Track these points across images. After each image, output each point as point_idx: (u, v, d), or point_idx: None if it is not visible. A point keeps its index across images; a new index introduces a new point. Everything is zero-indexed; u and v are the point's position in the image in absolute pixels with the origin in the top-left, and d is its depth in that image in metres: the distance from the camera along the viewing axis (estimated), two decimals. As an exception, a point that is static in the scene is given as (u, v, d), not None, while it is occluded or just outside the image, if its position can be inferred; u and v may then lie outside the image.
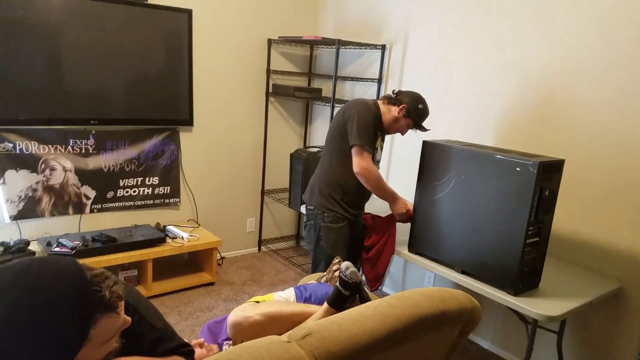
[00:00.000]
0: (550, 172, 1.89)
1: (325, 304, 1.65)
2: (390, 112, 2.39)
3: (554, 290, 2.05)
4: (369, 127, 2.30)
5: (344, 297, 1.62)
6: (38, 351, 0.78)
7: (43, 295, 0.80)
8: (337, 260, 2.13)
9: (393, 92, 2.44)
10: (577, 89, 2.35)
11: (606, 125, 2.26)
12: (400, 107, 2.37)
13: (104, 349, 0.90)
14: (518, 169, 1.88)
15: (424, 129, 2.44)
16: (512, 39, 2.60)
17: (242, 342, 1.72)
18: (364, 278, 1.67)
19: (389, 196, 2.43)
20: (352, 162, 2.31)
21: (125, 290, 1.03)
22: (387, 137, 3.33)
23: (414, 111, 2.37)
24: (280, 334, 1.62)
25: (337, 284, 1.65)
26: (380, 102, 2.43)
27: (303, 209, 2.59)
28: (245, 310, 1.63)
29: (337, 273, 2.07)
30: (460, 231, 2.12)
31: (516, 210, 1.90)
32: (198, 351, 1.63)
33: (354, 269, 1.65)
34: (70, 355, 0.82)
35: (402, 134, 2.49)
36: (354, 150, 2.30)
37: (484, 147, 2.14)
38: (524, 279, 1.97)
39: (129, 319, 0.94)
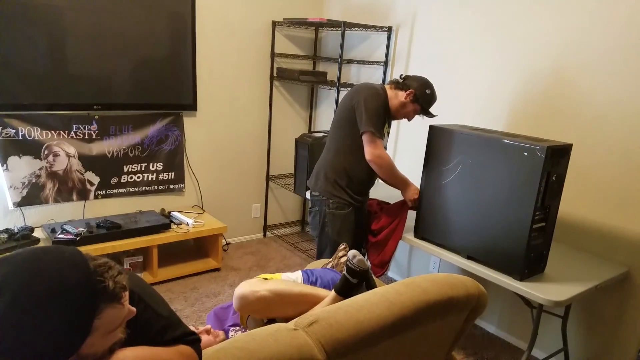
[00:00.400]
0: (558, 157, 1.87)
1: (333, 292, 1.65)
2: (397, 97, 2.36)
3: (559, 275, 2.04)
4: (379, 113, 2.27)
5: (352, 285, 1.62)
6: (42, 340, 0.78)
7: (48, 284, 0.80)
8: (343, 247, 2.12)
9: (400, 76, 2.40)
10: (585, 73, 2.31)
11: (614, 111, 2.22)
12: (408, 92, 2.33)
13: (109, 339, 0.89)
14: (526, 153, 1.85)
15: (431, 115, 2.41)
16: (521, 23, 2.55)
17: (247, 317, 1.74)
18: (369, 263, 1.68)
19: (401, 183, 2.41)
20: (364, 149, 2.28)
21: (130, 279, 1.02)
22: (393, 122, 3.30)
23: (422, 96, 2.33)
24: (284, 314, 1.64)
25: (345, 272, 1.64)
26: (387, 87, 2.39)
27: (308, 195, 2.57)
28: (254, 285, 1.63)
29: (343, 259, 2.06)
30: (467, 216, 2.11)
31: (523, 195, 1.88)
32: (205, 337, 1.64)
33: (360, 256, 1.64)
34: (75, 344, 0.81)
35: (409, 120, 2.46)
36: (365, 138, 2.27)
37: (492, 131, 2.11)
38: (530, 264, 1.96)
39: (133, 309, 0.93)
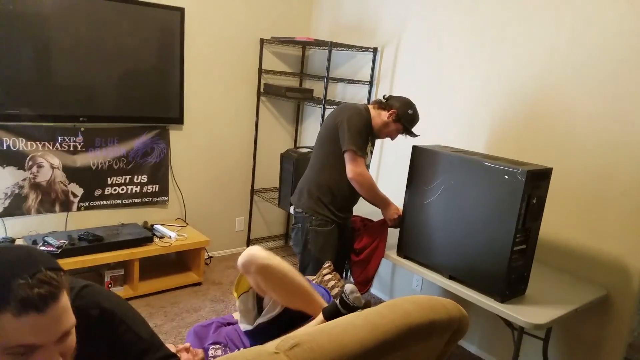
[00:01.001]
0: (538, 180, 1.91)
1: (321, 316, 1.64)
2: (380, 117, 2.40)
3: (540, 297, 2.07)
4: (361, 132, 2.31)
5: (341, 314, 1.62)
6: None
7: None
8: (327, 265, 2.13)
9: (384, 96, 2.45)
10: (568, 97, 2.37)
11: (595, 133, 2.28)
12: (390, 112, 2.37)
13: None
14: (506, 176, 1.89)
15: (413, 135, 2.45)
16: (504, 45, 2.62)
17: (243, 292, 1.75)
18: (363, 301, 1.71)
19: (382, 202, 2.43)
20: (346, 167, 2.31)
21: (112, 300, 1.02)
22: (377, 142, 3.34)
23: (404, 116, 2.38)
24: (275, 294, 1.68)
25: (337, 301, 1.64)
26: (370, 107, 2.44)
27: (292, 210, 2.58)
28: (266, 253, 1.66)
29: (327, 277, 2.06)
30: (449, 236, 2.14)
31: (504, 217, 1.91)
32: (184, 356, 1.63)
33: (358, 294, 1.64)
34: None
35: (392, 139, 2.50)
36: (347, 156, 2.30)
37: (474, 153, 2.15)
38: (511, 286, 1.99)
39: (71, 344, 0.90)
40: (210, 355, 1.73)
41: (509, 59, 2.60)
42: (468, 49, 2.79)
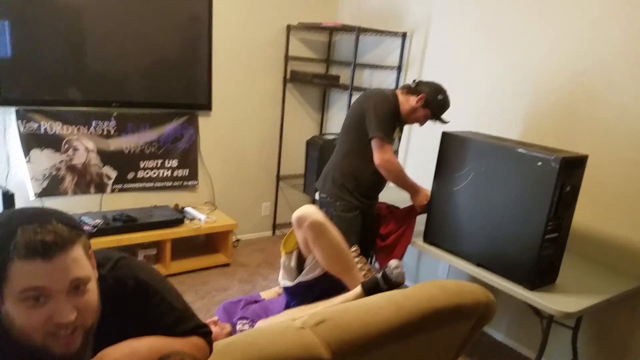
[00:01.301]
0: (572, 168, 1.86)
1: (359, 289, 1.63)
2: (408, 102, 2.37)
3: (571, 287, 2.03)
4: (388, 118, 2.29)
5: (380, 290, 1.61)
6: None
7: None
8: (354, 249, 2.13)
9: (413, 81, 2.41)
10: (604, 85, 2.30)
11: (632, 122, 2.21)
12: (419, 97, 2.34)
13: (33, 311, 0.86)
14: (539, 163, 1.85)
15: (443, 121, 2.41)
16: (538, 29, 2.54)
17: (289, 251, 1.88)
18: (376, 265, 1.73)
19: (410, 188, 2.42)
20: (373, 154, 2.30)
21: (147, 272, 1.05)
22: (405, 127, 3.31)
23: (433, 102, 2.34)
24: (319, 254, 1.78)
25: (379, 275, 1.63)
26: (399, 92, 2.40)
27: (317, 196, 2.60)
28: (320, 212, 1.80)
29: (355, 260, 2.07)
30: (478, 224, 2.11)
31: (536, 205, 1.88)
32: (212, 329, 1.68)
33: (401, 270, 1.63)
34: None
35: (420, 125, 2.47)
36: (374, 143, 2.29)
37: (505, 140, 2.11)
38: (541, 274, 1.96)
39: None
40: (237, 329, 1.78)
41: (543, 42, 2.52)
42: (501, 35, 2.72)
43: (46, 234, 0.84)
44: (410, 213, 2.46)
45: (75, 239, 0.88)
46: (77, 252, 0.88)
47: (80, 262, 0.89)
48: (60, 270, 0.85)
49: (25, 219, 0.86)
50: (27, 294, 0.84)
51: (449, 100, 2.40)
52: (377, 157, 2.29)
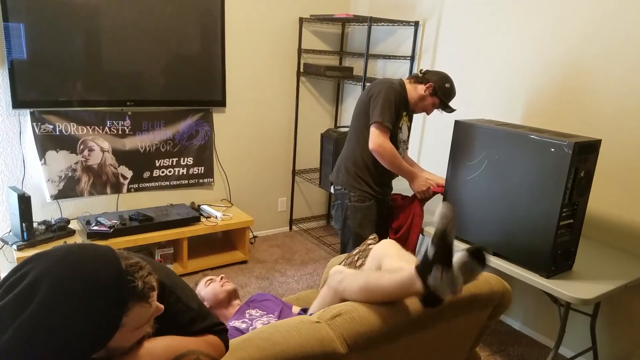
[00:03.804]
0: (586, 152, 1.84)
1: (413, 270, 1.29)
2: (416, 91, 2.38)
3: (588, 273, 2.01)
4: (390, 105, 2.29)
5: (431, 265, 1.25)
6: (74, 334, 0.82)
7: (84, 281, 0.84)
8: (372, 237, 2.13)
9: (420, 71, 2.43)
10: (614, 69, 2.25)
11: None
12: (427, 85, 2.36)
13: (136, 334, 0.94)
14: (552, 149, 1.83)
15: (450, 109, 2.41)
16: (549, 17, 2.50)
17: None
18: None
19: (407, 174, 2.42)
20: (369, 139, 2.31)
21: (161, 272, 1.07)
22: (419, 117, 3.29)
23: (441, 89, 2.35)
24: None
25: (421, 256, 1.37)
26: (406, 81, 2.42)
27: (332, 189, 2.61)
28: (344, 281, 1.44)
29: (371, 247, 2.06)
30: (492, 212, 2.10)
31: (550, 191, 1.86)
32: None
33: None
34: (104, 339, 0.86)
35: (428, 114, 2.47)
36: (372, 128, 2.31)
37: (518, 126, 2.09)
38: (557, 261, 1.94)
39: (161, 306, 0.98)
40: (246, 312, 1.78)
41: (553, 28, 2.48)
42: (511, 22, 2.68)
43: (146, 281, 0.95)
44: (412, 201, 2.46)
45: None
46: None
47: None
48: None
49: (126, 273, 0.92)
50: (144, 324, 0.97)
51: (455, 89, 2.42)
52: (371, 142, 2.30)
